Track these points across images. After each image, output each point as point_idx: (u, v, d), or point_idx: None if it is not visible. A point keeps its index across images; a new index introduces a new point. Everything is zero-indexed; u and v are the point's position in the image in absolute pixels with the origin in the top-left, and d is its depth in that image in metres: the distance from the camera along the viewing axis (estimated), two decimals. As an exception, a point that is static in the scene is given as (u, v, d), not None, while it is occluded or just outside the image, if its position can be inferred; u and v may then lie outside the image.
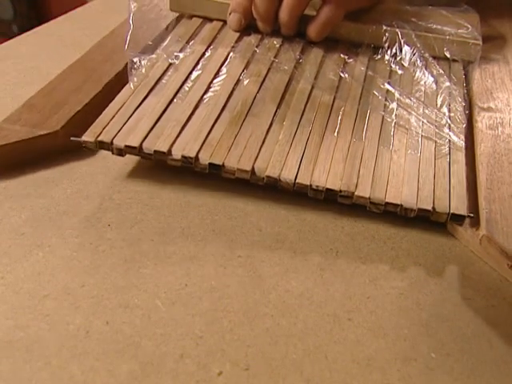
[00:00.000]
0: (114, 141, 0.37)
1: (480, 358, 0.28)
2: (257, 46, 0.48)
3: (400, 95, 0.43)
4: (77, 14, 0.63)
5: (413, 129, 0.40)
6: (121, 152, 0.37)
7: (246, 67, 0.45)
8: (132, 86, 0.42)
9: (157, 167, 0.39)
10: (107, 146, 0.37)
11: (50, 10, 1.77)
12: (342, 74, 0.46)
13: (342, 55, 0.48)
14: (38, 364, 0.27)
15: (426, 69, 0.46)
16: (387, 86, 0.44)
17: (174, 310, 0.30)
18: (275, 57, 0.47)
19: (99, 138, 0.37)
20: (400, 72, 0.46)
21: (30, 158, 0.39)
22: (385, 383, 0.27)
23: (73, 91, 0.43)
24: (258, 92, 0.43)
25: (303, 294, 0.31)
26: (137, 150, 0.37)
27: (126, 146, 0.37)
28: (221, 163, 0.36)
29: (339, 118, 0.41)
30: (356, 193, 0.35)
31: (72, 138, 0.38)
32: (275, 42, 0.48)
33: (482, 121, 0.42)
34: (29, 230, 0.34)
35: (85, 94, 0.43)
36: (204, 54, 0.46)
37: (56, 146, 0.40)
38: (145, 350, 0.28)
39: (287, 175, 0.36)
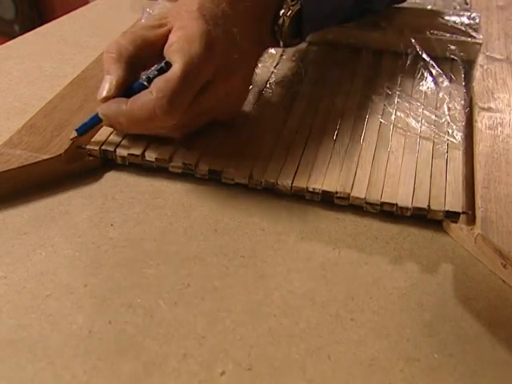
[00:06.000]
0: (118, 149, 0.38)
1: (482, 358, 0.28)
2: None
3: (399, 97, 0.44)
4: (79, 14, 0.63)
5: (411, 130, 0.41)
6: (124, 160, 0.38)
7: None
8: None
9: (159, 167, 0.39)
10: (111, 154, 0.38)
11: (52, 9, 1.77)
12: (342, 79, 0.46)
13: (342, 60, 0.48)
14: (41, 363, 0.27)
15: (425, 70, 0.46)
16: (387, 90, 0.45)
17: (177, 309, 0.30)
18: (275, 66, 0.47)
19: (103, 147, 0.38)
20: (400, 74, 0.47)
21: (32, 184, 0.37)
22: (387, 383, 0.27)
23: (74, 111, 0.41)
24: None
25: (306, 294, 0.31)
26: (139, 158, 0.37)
27: (129, 154, 0.38)
28: (220, 169, 0.37)
29: (338, 122, 0.41)
30: (352, 194, 0.35)
31: (77, 146, 0.38)
32: (274, 52, 0.49)
33: (481, 121, 0.42)
34: (31, 230, 0.34)
35: (87, 114, 0.40)
36: None
37: (59, 171, 0.38)
38: (147, 349, 0.28)
39: (284, 179, 0.36)
